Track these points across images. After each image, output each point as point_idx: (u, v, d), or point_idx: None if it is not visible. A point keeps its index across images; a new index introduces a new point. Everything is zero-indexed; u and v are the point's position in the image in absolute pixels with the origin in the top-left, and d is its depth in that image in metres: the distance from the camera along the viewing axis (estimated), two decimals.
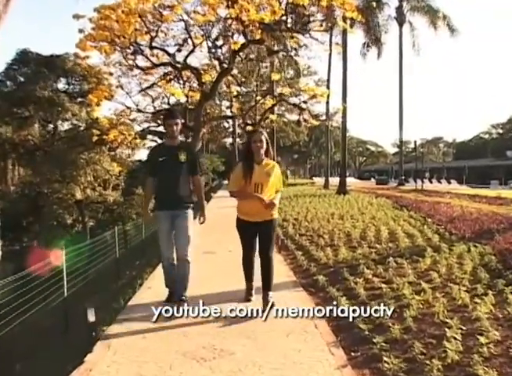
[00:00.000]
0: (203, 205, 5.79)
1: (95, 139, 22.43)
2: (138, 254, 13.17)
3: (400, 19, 40.28)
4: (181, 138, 5.71)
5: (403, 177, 45.13)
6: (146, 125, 25.87)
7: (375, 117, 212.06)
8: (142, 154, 71.27)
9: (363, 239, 9.77)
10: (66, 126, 33.76)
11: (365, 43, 35.40)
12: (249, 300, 5.67)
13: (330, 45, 21.19)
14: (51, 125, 33.02)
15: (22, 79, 31.09)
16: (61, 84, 32.48)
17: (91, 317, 4.80)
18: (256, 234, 5.56)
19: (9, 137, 30.41)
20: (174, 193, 5.46)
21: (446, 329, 4.30)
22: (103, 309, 6.00)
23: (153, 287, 6.66)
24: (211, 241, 11.20)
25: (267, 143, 5.48)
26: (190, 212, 5.61)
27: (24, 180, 31.60)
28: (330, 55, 32.23)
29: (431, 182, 50.61)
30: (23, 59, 31.13)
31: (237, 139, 47.21)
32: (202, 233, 13.29)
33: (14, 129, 30.52)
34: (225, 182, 63.21)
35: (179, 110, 17.53)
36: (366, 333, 4.51)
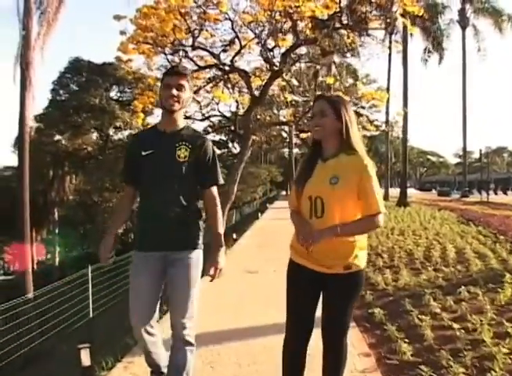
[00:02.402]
0: (221, 241, 3.05)
1: None
2: None
3: (463, 22, 38.98)
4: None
5: (467, 188, 43.30)
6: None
7: (435, 126, 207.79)
8: None
9: (427, 259, 8.63)
10: (119, 134, 33.85)
11: (425, 48, 34.23)
12: None
13: (390, 44, 20.03)
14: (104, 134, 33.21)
15: (75, 87, 31.24)
16: (113, 93, 32.57)
17: (87, 361, 3.81)
18: (316, 294, 2.82)
19: (63, 145, 30.62)
20: (166, 219, 2.91)
21: None
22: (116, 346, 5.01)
23: None
24: (256, 257, 10.30)
25: (339, 118, 2.69)
26: (197, 255, 3.00)
27: (78, 188, 31.78)
28: (390, 55, 31.03)
29: (496, 194, 48.77)
30: (76, 67, 31.23)
31: (295, 150, 46.48)
32: (247, 249, 12.49)
33: (68, 137, 30.73)
34: (283, 192, 67.72)
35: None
36: None
